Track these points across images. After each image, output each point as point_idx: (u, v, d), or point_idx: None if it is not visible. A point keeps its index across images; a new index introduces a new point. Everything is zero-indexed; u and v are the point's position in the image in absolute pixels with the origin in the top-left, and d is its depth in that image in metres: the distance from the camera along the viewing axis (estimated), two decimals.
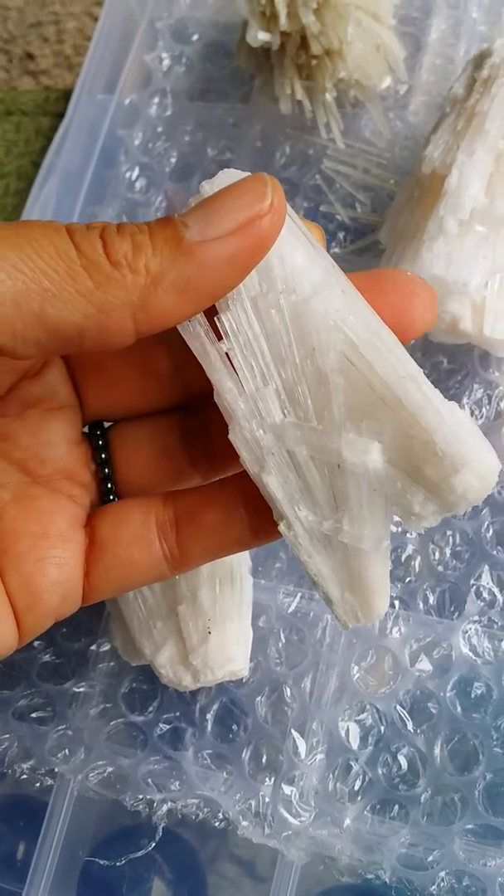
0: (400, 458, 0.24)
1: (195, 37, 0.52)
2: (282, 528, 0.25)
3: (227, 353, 0.25)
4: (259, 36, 0.44)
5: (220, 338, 0.25)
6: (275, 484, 0.25)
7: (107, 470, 0.29)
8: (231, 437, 0.25)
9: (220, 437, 0.28)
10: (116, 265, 0.22)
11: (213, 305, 0.26)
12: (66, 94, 0.56)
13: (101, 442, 0.30)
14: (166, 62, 0.52)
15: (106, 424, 0.30)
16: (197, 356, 0.26)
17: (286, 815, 0.36)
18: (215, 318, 0.25)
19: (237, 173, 0.25)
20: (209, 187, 0.25)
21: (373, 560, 0.25)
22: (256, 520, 0.27)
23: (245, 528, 0.27)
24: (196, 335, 0.26)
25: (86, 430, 0.30)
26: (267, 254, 0.24)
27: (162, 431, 0.30)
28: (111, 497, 0.29)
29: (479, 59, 0.40)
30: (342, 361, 0.25)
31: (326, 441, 0.25)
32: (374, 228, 0.43)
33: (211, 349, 0.25)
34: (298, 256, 0.25)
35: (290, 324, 0.25)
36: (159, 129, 0.50)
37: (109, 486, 0.29)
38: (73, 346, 0.23)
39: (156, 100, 0.51)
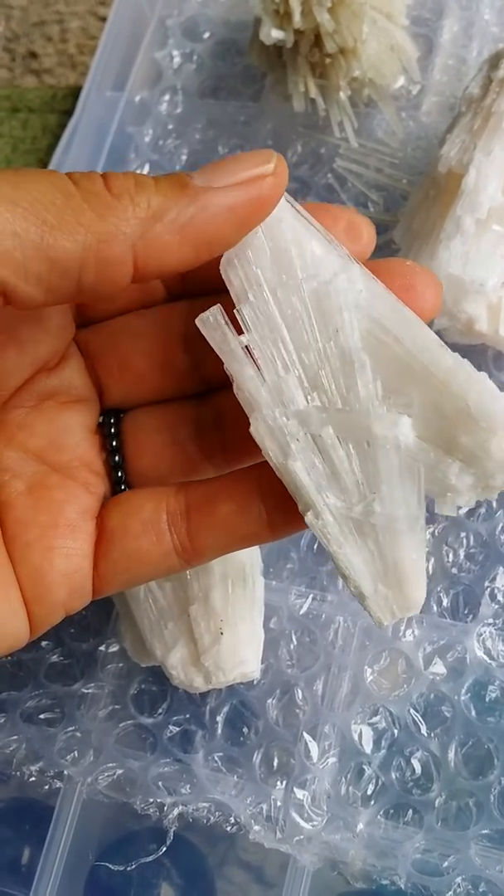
0: (431, 431, 0.24)
1: (206, 34, 0.52)
2: (309, 517, 0.24)
3: (247, 346, 0.25)
4: (273, 34, 0.43)
5: (239, 331, 0.25)
6: (301, 471, 0.24)
7: (117, 458, 0.29)
8: (252, 428, 0.25)
9: (235, 429, 0.28)
10: (118, 196, 0.22)
11: (232, 300, 0.25)
12: (74, 92, 0.55)
13: (112, 430, 0.29)
14: (177, 59, 0.52)
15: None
16: (216, 348, 0.25)
17: (298, 819, 0.35)
18: (235, 311, 0.25)
19: None
20: None
21: (408, 544, 0.24)
22: (274, 513, 0.26)
23: (262, 521, 0.27)
24: (215, 327, 0.25)
25: (100, 419, 0.30)
26: (266, 217, 0.24)
27: (175, 422, 0.29)
28: (122, 487, 0.29)
29: (496, 59, 0.40)
30: (367, 339, 0.24)
31: (354, 420, 0.24)
32: (387, 228, 0.43)
33: (231, 340, 0.25)
34: (316, 246, 0.26)
35: (311, 308, 0.25)
36: (170, 127, 0.50)
37: (120, 474, 0.29)
38: (74, 282, 0.22)
39: (166, 97, 0.51)
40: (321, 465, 0.25)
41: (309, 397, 0.25)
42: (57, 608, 0.27)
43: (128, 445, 0.29)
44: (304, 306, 0.25)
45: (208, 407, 0.29)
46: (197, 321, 0.25)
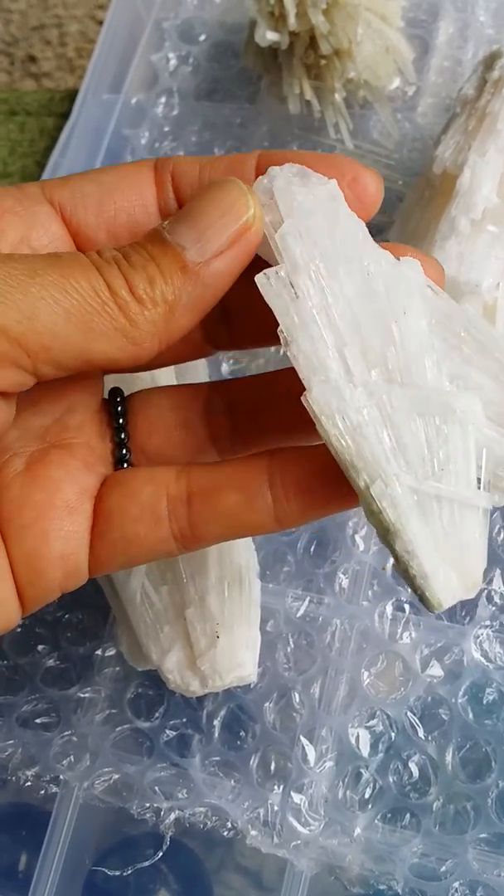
0: (498, 417, 0.24)
1: (202, 37, 0.52)
2: (377, 488, 0.23)
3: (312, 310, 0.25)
4: (268, 36, 0.43)
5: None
6: (372, 438, 0.24)
7: (123, 436, 0.29)
8: (313, 394, 0.24)
9: (245, 415, 0.29)
10: (141, 302, 0.24)
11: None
12: (71, 95, 0.55)
13: (119, 408, 0.29)
14: (173, 62, 0.52)
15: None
16: (274, 308, 0.25)
17: (295, 823, 0.35)
18: (299, 280, 0.25)
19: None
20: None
21: (474, 523, 0.24)
22: (283, 504, 0.26)
23: (268, 512, 0.26)
24: (278, 293, 0.25)
25: (105, 395, 0.30)
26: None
27: (186, 402, 0.29)
28: (124, 465, 0.29)
29: (490, 61, 0.40)
30: (432, 327, 0.25)
31: (427, 395, 0.24)
32: (382, 229, 0.43)
33: (293, 306, 0.25)
34: (363, 232, 0.26)
35: (378, 288, 0.25)
36: (166, 129, 0.50)
37: (124, 452, 0.29)
38: (98, 370, 0.25)
39: (162, 99, 0.51)
40: (388, 438, 0.24)
41: (373, 371, 0.24)
42: (52, 590, 0.26)
43: (136, 424, 0.29)
44: (368, 285, 0.25)
45: (220, 391, 0.30)
46: (256, 279, 0.25)
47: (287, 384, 0.28)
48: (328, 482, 0.25)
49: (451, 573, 0.23)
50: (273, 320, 0.25)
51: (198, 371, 0.40)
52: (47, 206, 0.27)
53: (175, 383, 0.38)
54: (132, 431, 0.29)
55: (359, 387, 0.24)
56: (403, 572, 0.24)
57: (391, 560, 0.38)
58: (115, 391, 0.30)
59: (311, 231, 0.25)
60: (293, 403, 0.25)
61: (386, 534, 0.24)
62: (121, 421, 0.29)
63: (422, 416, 0.24)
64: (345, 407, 0.24)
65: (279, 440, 0.29)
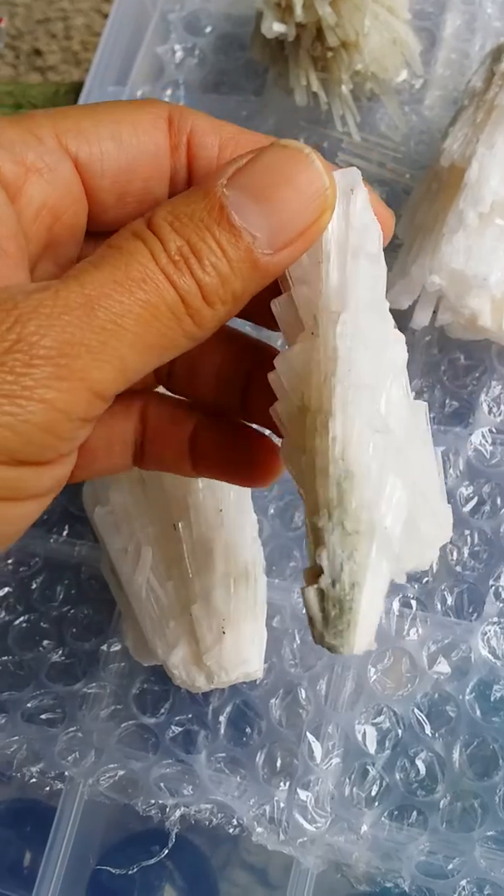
0: None
1: (208, 29, 0.52)
2: None
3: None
4: (274, 27, 0.43)
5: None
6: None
7: None
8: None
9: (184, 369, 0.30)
10: (212, 306, 0.23)
11: None
12: (77, 88, 0.55)
13: None
14: (179, 54, 0.51)
15: None
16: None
17: (301, 820, 0.35)
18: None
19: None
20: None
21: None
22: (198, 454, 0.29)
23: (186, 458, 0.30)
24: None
25: None
26: None
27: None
28: None
29: (498, 53, 0.39)
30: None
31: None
32: None
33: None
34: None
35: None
36: None
37: None
38: None
39: (168, 92, 0.50)
40: None
41: None
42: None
43: None
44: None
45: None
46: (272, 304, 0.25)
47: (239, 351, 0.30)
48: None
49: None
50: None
51: None
52: (68, 163, 0.25)
53: None
54: None
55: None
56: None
57: None
58: None
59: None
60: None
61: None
62: None
63: None
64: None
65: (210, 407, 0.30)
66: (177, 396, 0.31)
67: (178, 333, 0.22)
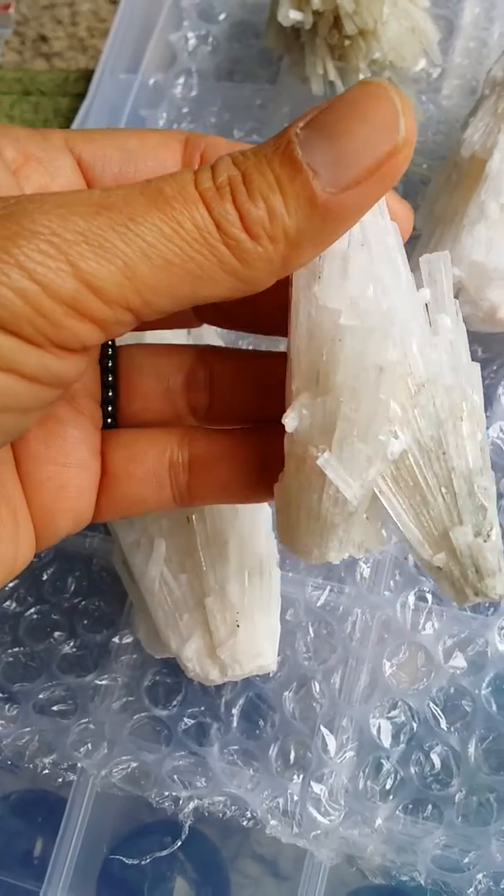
0: None
1: (222, 16, 0.51)
2: None
3: None
4: (291, 15, 0.43)
5: None
6: None
7: (110, 393, 0.29)
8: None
9: (222, 393, 0.29)
10: (257, 238, 0.21)
11: None
12: (86, 75, 0.54)
13: (110, 364, 0.29)
14: (192, 41, 0.51)
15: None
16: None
17: (315, 813, 0.35)
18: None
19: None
20: None
21: None
22: (273, 478, 0.27)
23: (261, 485, 0.27)
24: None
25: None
26: None
27: (169, 370, 0.29)
28: (108, 420, 0.29)
29: None
30: None
31: None
32: None
33: None
34: None
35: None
36: (184, 110, 0.49)
37: (110, 409, 0.29)
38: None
39: (181, 80, 0.50)
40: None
41: None
42: (60, 535, 0.28)
43: (121, 384, 0.30)
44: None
45: (203, 364, 0.29)
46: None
47: (271, 365, 0.28)
48: None
49: None
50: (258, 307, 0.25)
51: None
52: (70, 158, 0.25)
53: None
54: (119, 391, 0.29)
55: None
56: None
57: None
58: (107, 344, 0.29)
59: None
60: (275, 385, 0.26)
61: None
62: (110, 378, 0.29)
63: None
64: None
65: (253, 419, 0.29)
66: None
67: (213, 263, 0.21)
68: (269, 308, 0.27)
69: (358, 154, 0.21)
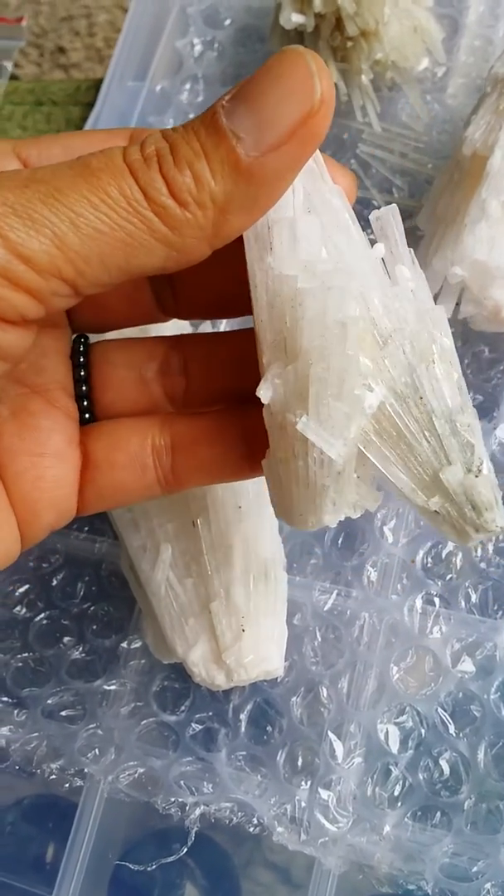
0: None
1: (227, 21, 0.51)
2: None
3: None
4: (293, 18, 0.43)
5: None
6: None
7: (84, 388, 0.29)
8: None
9: (199, 377, 0.29)
10: (185, 205, 0.21)
11: None
12: (97, 84, 0.55)
13: (81, 359, 0.29)
14: (198, 48, 0.51)
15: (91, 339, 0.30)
16: None
17: (323, 820, 0.34)
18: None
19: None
20: None
21: None
22: (257, 454, 0.27)
23: (244, 460, 0.28)
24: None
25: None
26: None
27: (142, 360, 0.30)
28: (86, 415, 0.29)
29: None
30: None
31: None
32: (412, 214, 0.42)
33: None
34: None
35: None
36: (191, 116, 0.49)
37: (86, 403, 0.29)
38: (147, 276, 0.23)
39: (187, 86, 0.50)
40: None
41: None
42: (44, 529, 0.28)
43: (94, 377, 0.30)
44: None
45: (177, 348, 0.30)
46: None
47: (242, 342, 0.28)
48: None
49: None
50: (218, 292, 0.26)
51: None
52: (17, 161, 0.26)
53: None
54: (92, 384, 0.30)
55: None
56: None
57: (421, 552, 0.37)
58: (78, 340, 0.30)
59: None
60: (247, 362, 0.26)
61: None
62: (82, 373, 0.29)
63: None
64: None
65: (232, 399, 0.29)
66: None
67: (143, 231, 0.21)
68: (233, 290, 0.27)
69: (277, 117, 0.21)
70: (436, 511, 0.24)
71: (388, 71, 0.44)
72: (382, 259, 0.25)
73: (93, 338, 0.30)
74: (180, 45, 0.51)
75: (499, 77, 0.38)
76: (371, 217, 0.26)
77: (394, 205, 0.26)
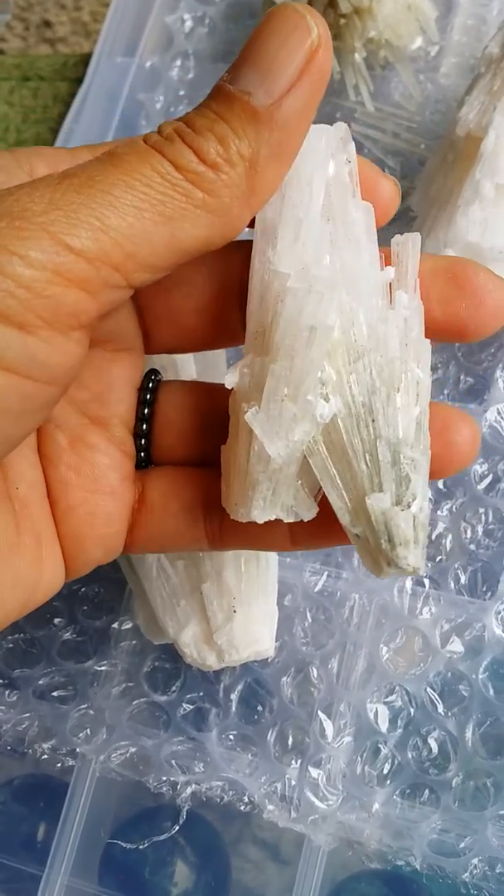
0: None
1: None
2: None
3: None
4: None
5: None
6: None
7: (145, 427, 0.29)
8: None
9: None
10: (216, 167, 0.22)
11: None
12: (85, 59, 0.54)
13: (149, 396, 0.29)
14: (188, 24, 0.50)
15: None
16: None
17: (313, 798, 0.35)
18: None
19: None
20: None
21: None
22: (298, 530, 0.27)
23: (286, 536, 0.28)
24: None
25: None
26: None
27: (207, 407, 0.29)
28: (142, 454, 0.29)
29: None
30: None
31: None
32: (405, 195, 0.41)
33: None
34: None
35: None
36: (181, 93, 0.48)
37: (143, 442, 0.29)
38: (196, 256, 0.23)
39: (178, 62, 0.49)
40: None
41: None
42: (91, 563, 0.28)
43: (157, 418, 0.29)
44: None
45: None
46: None
47: None
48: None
49: None
50: None
51: (218, 367, 0.38)
52: (23, 174, 0.26)
53: (195, 378, 0.36)
54: (154, 424, 0.29)
55: None
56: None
57: None
58: (150, 374, 0.29)
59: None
60: None
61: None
62: (146, 411, 0.29)
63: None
64: None
65: None
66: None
67: (182, 200, 0.21)
68: None
69: (281, 63, 0.22)
70: (357, 535, 0.24)
71: (381, 49, 0.43)
72: (390, 284, 0.25)
73: (165, 374, 0.30)
74: (170, 21, 0.50)
75: (493, 57, 0.38)
76: (392, 241, 0.26)
77: (417, 234, 0.25)
